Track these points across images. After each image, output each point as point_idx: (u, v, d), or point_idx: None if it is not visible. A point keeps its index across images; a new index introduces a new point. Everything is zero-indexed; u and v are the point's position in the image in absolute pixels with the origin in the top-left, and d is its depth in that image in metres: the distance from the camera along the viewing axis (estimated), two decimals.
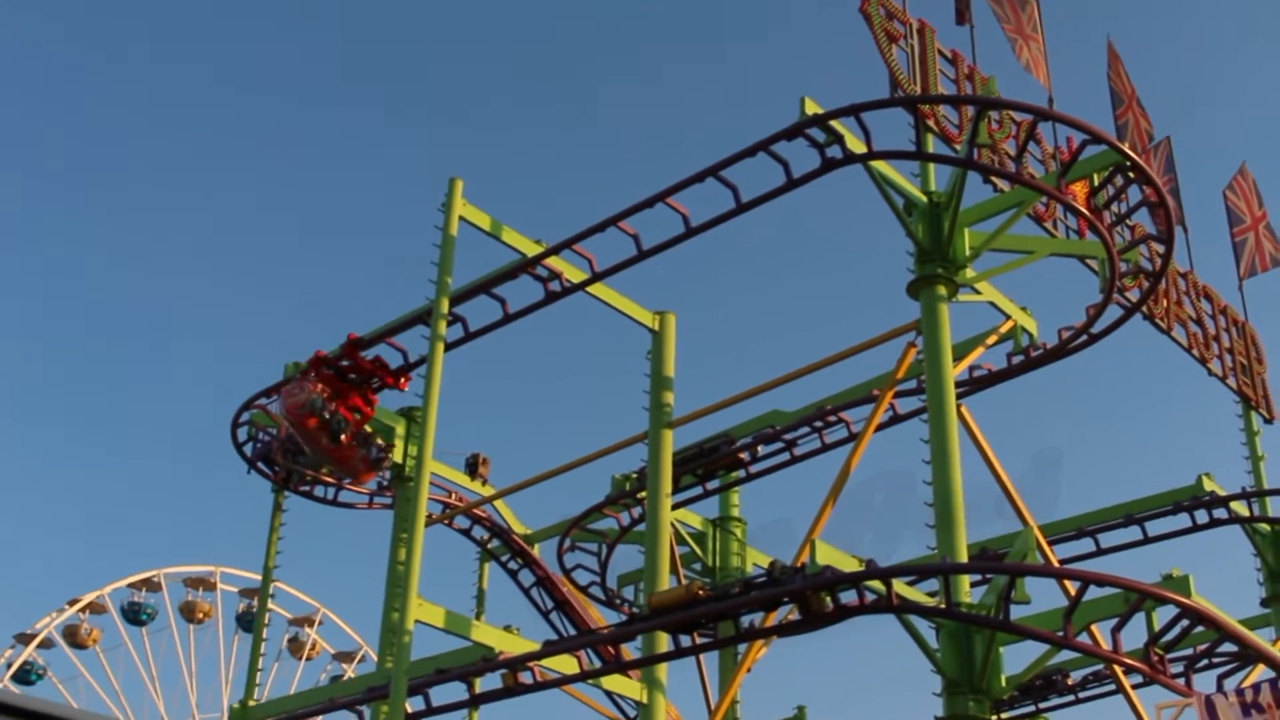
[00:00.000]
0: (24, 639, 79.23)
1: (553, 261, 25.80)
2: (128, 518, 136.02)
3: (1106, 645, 20.17)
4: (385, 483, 31.42)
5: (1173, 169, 30.57)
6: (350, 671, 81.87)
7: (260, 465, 30.62)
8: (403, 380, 28.04)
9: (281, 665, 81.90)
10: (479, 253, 26.24)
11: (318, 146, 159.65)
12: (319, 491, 31.58)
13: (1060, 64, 24.99)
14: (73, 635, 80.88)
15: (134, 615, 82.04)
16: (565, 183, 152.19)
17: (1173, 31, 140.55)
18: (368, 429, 28.40)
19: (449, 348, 25.01)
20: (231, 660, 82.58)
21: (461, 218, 24.76)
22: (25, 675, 79.38)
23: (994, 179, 24.01)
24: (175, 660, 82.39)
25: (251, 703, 28.15)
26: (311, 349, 28.09)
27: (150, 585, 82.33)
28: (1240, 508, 29.39)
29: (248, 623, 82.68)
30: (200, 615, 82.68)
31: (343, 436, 27.69)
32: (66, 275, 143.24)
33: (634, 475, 30.32)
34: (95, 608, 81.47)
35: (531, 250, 25.79)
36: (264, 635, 30.09)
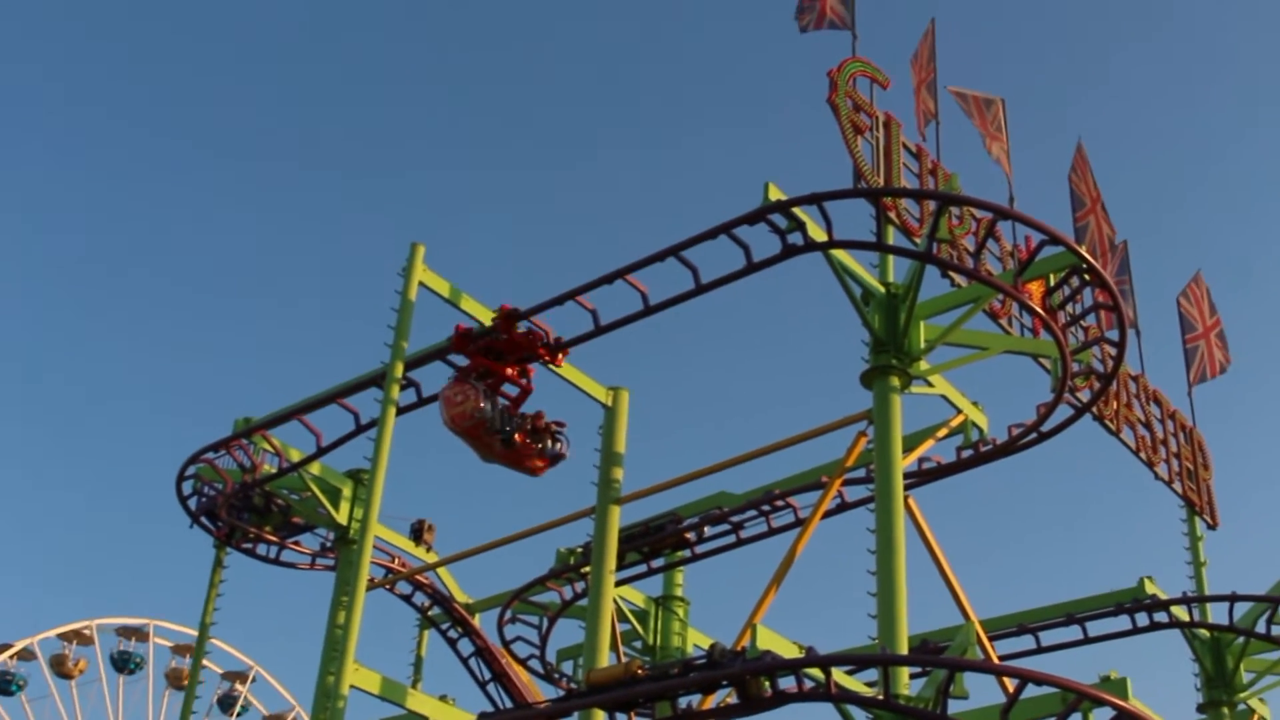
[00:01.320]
0: (2, 648, 78.16)
1: None
2: (59, 567, 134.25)
3: None
4: (328, 543, 31.22)
5: (1128, 272, 30.93)
6: (244, 690, 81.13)
7: (203, 520, 30.35)
8: (559, 356, 25.89)
9: (171, 697, 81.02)
10: (436, 318, 26.15)
11: (278, 205, 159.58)
12: (261, 550, 31.35)
13: (1027, 162, 25.33)
14: (59, 663, 79.83)
15: (3, 686, 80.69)
16: (526, 256, 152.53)
17: (1138, 138, 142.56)
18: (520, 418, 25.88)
19: (401, 412, 24.97)
20: (161, 715, 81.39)
21: (421, 283, 24.80)
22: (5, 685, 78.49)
23: (952, 274, 24.21)
24: (103, 713, 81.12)
25: None
26: (263, 407, 27.85)
27: (81, 637, 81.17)
28: (1181, 612, 29.53)
29: (177, 679, 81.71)
30: (76, 671, 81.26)
31: (516, 437, 25.59)
32: (10, 320, 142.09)
33: (579, 549, 30.22)
34: (24, 655, 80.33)
35: (489, 319, 25.79)
36: (197, 693, 29.75)
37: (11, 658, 79.69)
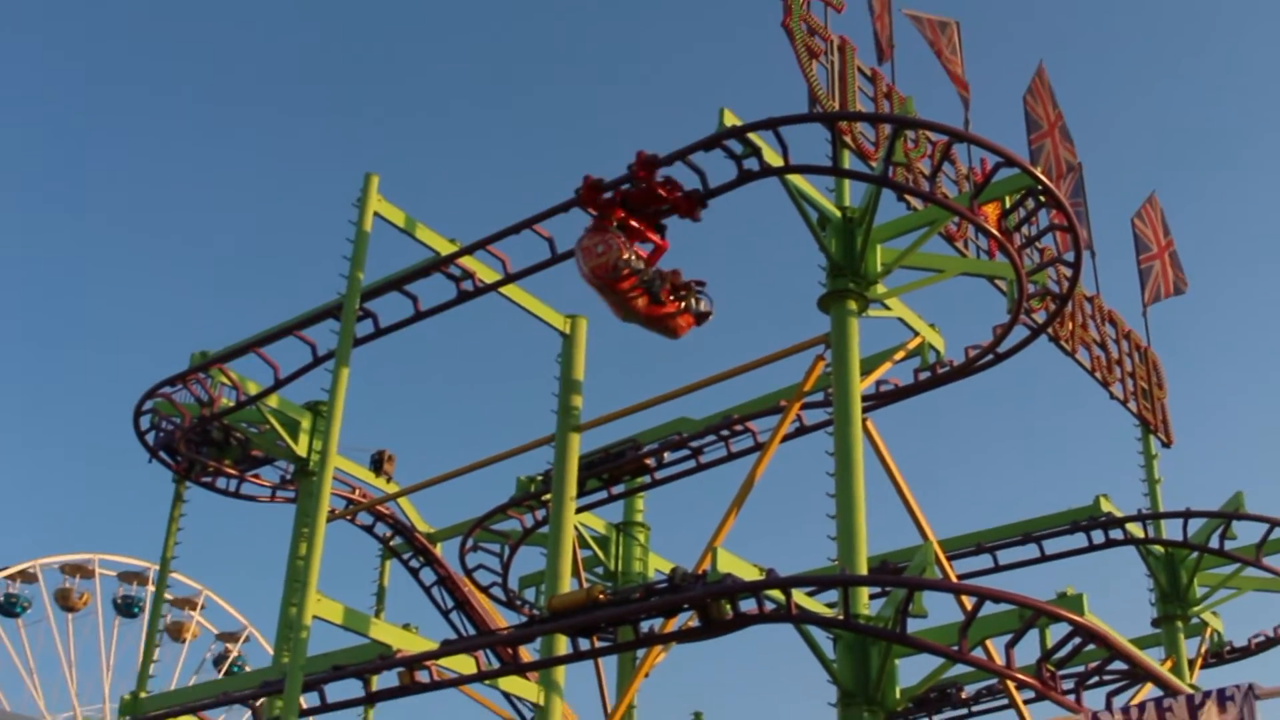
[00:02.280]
0: None
1: (466, 261, 25.74)
2: (41, 504, 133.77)
3: (1000, 660, 20.49)
4: (288, 476, 31.21)
5: (1083, 194, 31.08)
6: (235, 650, 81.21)
7: (162, 455, 30.27)
8: (697, 210, 23.43)
9: (162, 649, 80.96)
10: (392, 249, 26.07)
11: (232, 139, 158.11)
12: (221, 483, 31.30)
13: (984, 85, 25.31)
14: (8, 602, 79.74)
15: (8, 608, 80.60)
16: (481, 184, 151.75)
17: (1094, 57, 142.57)
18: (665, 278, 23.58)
19: (358, 343, 24.90)
20: (112, 648, 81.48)
21: (376, 213, 24.64)
22: None
23: (908, 197, 24.23)
24: (53, 651, 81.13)
25: (144, 694, 27.80)
26: (220, 340, 27.69)
27: (26, 576, 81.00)
28: (1135, 529, 29.93)
29: (127, 608, 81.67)
30: (79, 604, 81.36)
31: (661, 293, 23.36)
32: None
33: (539, 478, 30.31)
34: (26, 576, 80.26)
35: (445, 249, 25.73)
36: (158, 625, 29.78)
37: (13, 578, 79.66)
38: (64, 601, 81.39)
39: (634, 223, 23.29)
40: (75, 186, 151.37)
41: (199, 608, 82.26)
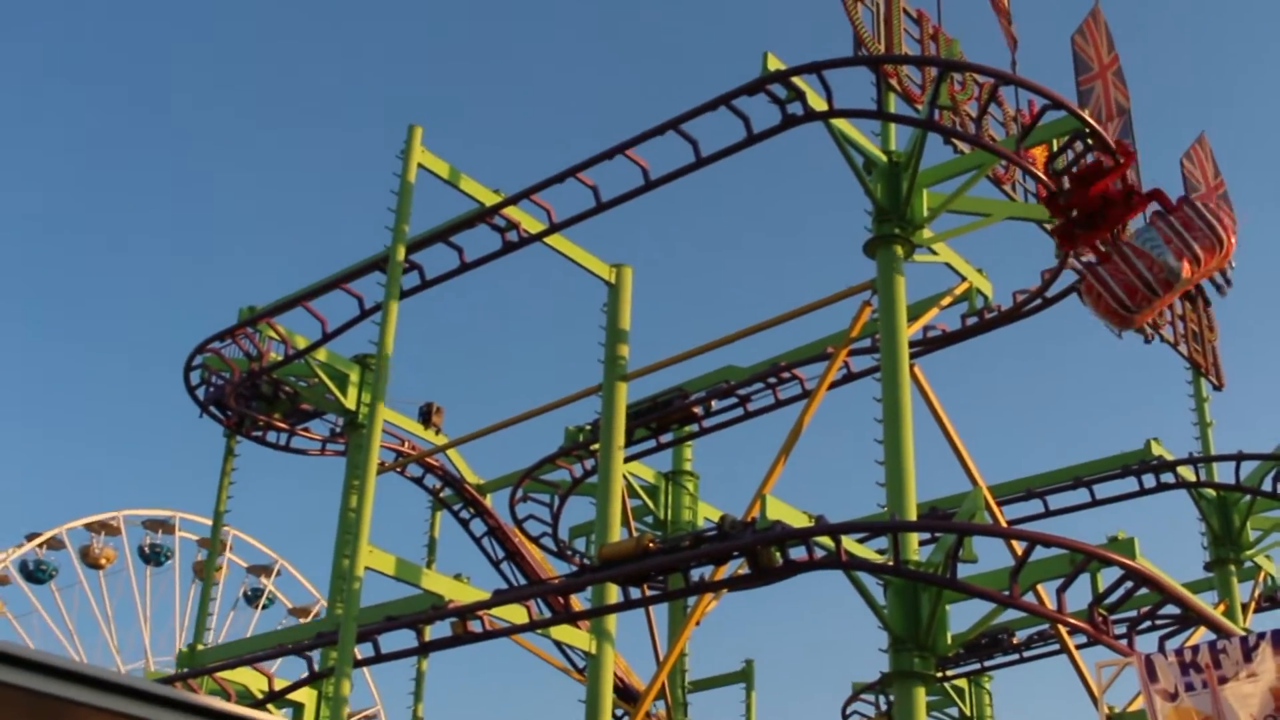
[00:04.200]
0: None
1: (511, 211, 25.73)
2: (83, 459, 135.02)
3: (1051, 605, 20.45)
4: (337, 429, 31.38)
5: (1131, 135, 30.69)
6: (269, 584, 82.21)
7: (212, 410, 30.48)
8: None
9: (238, 614, 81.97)
10: (437, 201, 26.09)
11: (276, 93, 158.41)
12: (271, 437, 31.50)
13: (1033, 27, 25.01)
14: (30, 570, 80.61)
15: (38, 575, 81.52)
16: (525, 133, 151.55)
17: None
18: None
19: (405, 295, 24.94)
20: (188, 606, 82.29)
21: (420, 165, 24.62)
22: None
23: (954, 141, 24.07)
24: (131, 602, 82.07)
25: (201, 646, 28.11)
26: (268, 295, 27.79)
27: (108, 528, 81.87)
28: (1187, 472, 29.74)
29: (154, 557, 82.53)
30: (104, 561, 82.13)
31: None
32: (11, 216, 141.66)
33: (587, 427, 30.38)
34: (53, 544, 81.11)
35: (490, 200, 25.71)
36: (216, 580, 30.11)
37: (41, 546, 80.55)
38: (90, 559, 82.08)
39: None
40: (122, 142, 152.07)
41: (227, 547, 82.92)
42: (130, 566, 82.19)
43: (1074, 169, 22.25)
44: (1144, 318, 22.21)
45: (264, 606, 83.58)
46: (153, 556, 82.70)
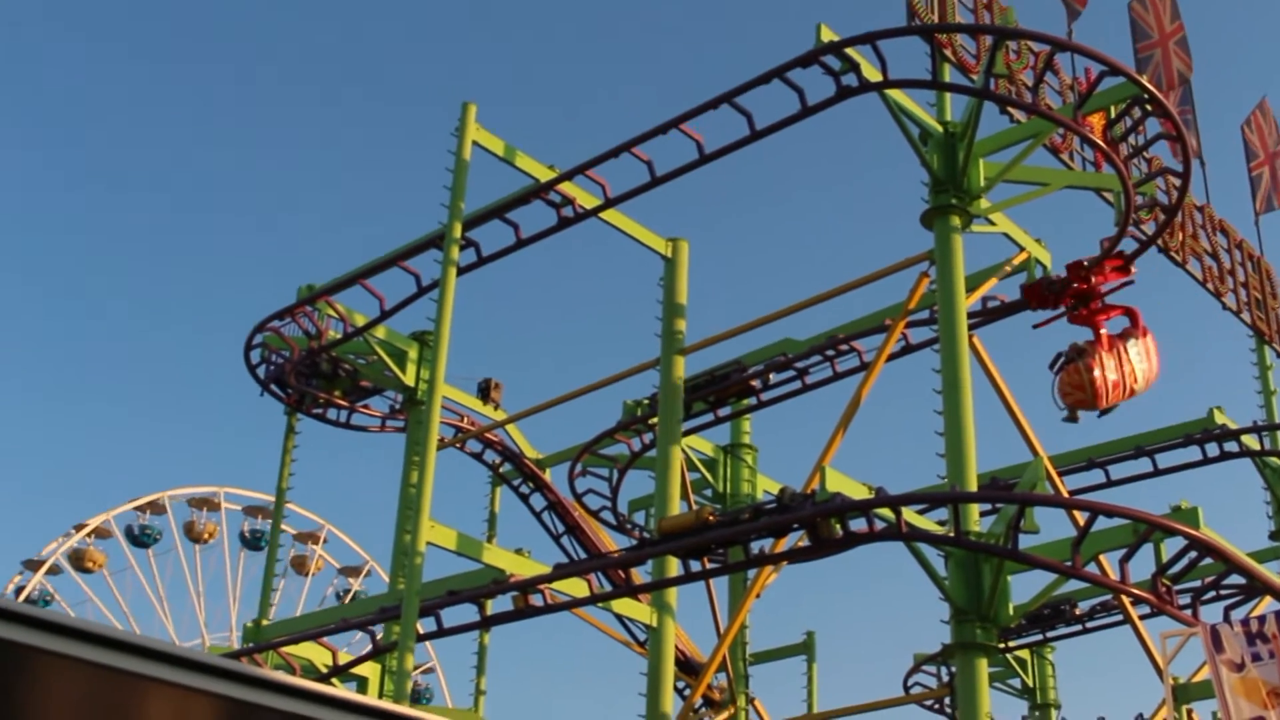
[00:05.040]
0: (32, 565, 79.91)
1: (566, 187, 25.78)
2: (129, 442, 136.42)
3: (1114, 575, 20.37)
4: (397, 405, 31.58)
5: (1190, 102, 30.39)
6: (357, 585, 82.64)
7: (273, 388, 30.75)
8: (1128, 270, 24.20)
9: (287, 582, 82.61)
10: (492, 178, 26.16)
11: (331, 72, 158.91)
12: (331, 414, 31.77)
13: None
14: (79, 560, 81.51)
15: (139, 538, 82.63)
16: (579, 109, 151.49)
17: None
18: None
19: (461, 272, 25.04)
20: (238, 579, 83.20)
21: (475, 142, 24.72)
22: (137, 538, 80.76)
23: (1010, 109, 23.90)
24: (182, 581, 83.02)
25: (265, 622, 28.41)
26: (327, 274, 27.95)
27: (155, 508, 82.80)
28: (1251, 441, 29.48)
29: (252, 541, 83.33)
30: (206, 536, 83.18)
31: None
32: (68, 195, 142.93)
33: (645, 401, 30.41)
34: (101, 532, 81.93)
35: (544, 176, 25.76)
36: (276, 555, 30.43)
37: (142, 510, 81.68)
38: (191, 533, 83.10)
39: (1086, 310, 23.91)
40: (179, 123, 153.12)
41: (321, 541, 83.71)
42: (178, 545, 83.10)
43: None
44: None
45: (313, 574, 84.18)
46: (252, 541, 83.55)
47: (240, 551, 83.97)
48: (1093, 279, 23.78)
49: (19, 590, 78.18)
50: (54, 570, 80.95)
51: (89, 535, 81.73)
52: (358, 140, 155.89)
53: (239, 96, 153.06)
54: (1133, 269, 24.29)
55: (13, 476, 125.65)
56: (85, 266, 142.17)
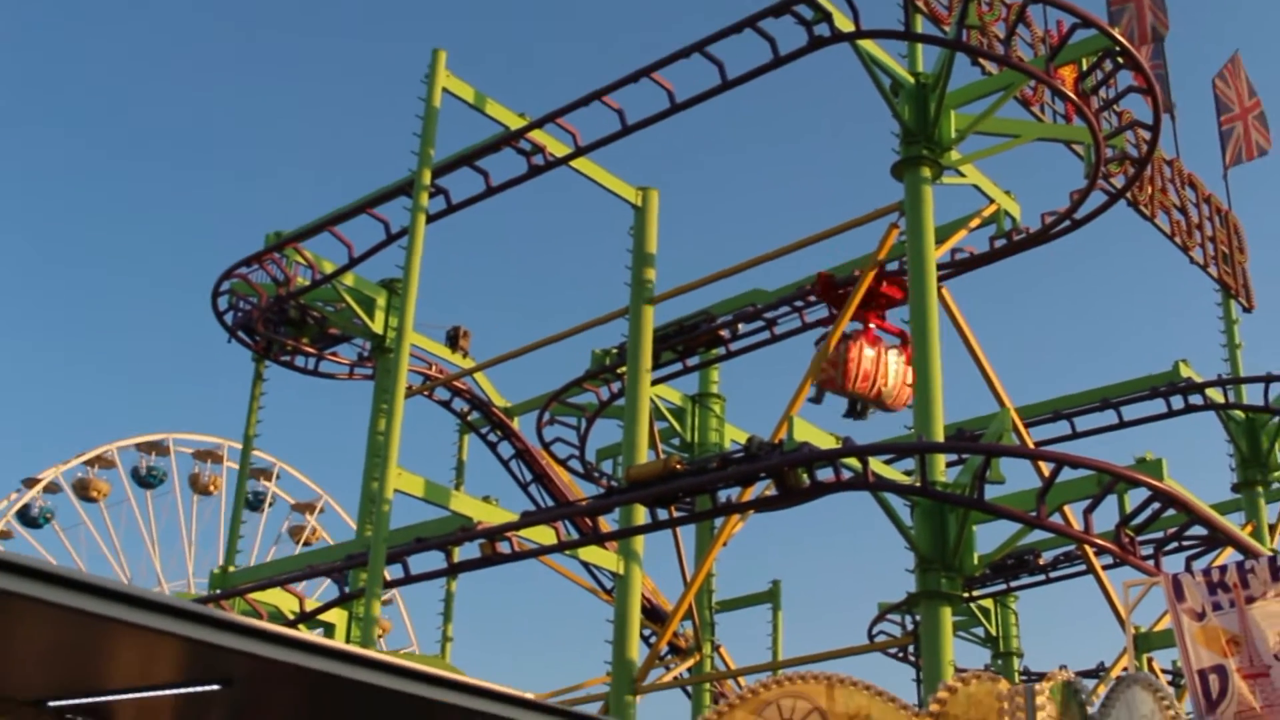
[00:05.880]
0: (30, 483, 79.74)
1: (536, 135, 25.70)
2: (127, 385, 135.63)
3: (1078, 526, 20.52)
4: (365, 353, 31.52)
5: (1163, 57, 30.42)
6: (312, 520, 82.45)
7: (240, 334, 30.64)
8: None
9: (280, 549, 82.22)
10: (462, 125, 26.06)
11: (299, 18, 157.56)
12: (299, 361, 31.69)
13: None
14: (82, 488, 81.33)
15: (144, 479, 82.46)
16: (549, 56, 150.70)
17: None
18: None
19: (430, 220, 24.97)
20: (193, 525, 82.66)
21: (444, 89, 24.60)
22: (33, 519, 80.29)
23: (982, 61, 23.88)
24: (136, 530, 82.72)
25: (231, 568, 28.41)
26: (295, 220, 27.81)
27: (158, 449, 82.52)
28: (1216, 394, 29.68)
29: (201, 487, 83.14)
30: (101, 495, 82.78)
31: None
32: (36, 144, 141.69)
33: (614, 350, 30.40)
34: (104, 462, 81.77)
35: (515, 123, 25.67)
36: (242, 503, 30.47)
37: (38, 494, 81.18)
38: (83, 493, 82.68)
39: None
40: (147, 72, 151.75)
41: (274, 478, 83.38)
42: (130, 494, 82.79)
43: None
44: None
45: (306, 544, 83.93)
46: (148, 480, 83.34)
47: (194, 498, 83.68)
48: (883, 288, 24.70)
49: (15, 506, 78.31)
50: (53, 489, 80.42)
51: (91, 464, 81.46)
52: (327, 87, 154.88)
53: (207, 45, 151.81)
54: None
55: (10, 399, 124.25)
56: (52, 217, 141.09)
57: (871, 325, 24.56)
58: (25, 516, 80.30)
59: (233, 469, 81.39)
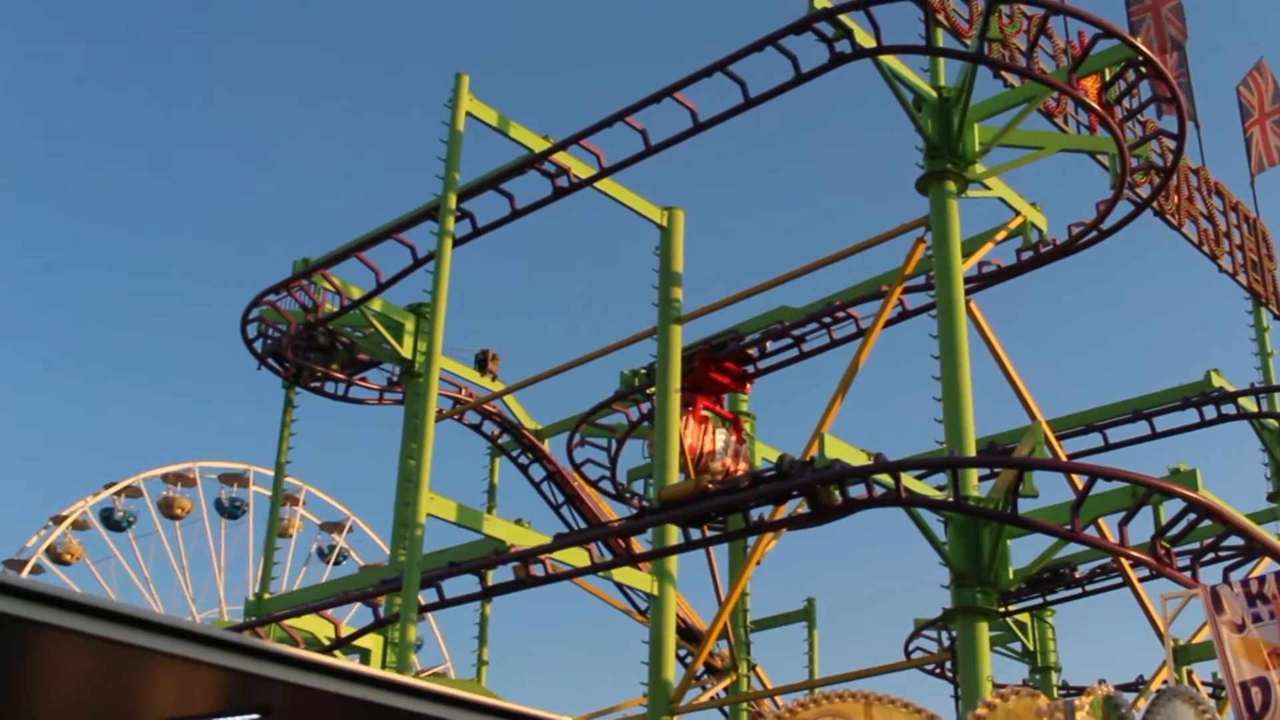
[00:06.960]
0: (59, 520, 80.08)
1: (560, 157, 25.76)
2: (152, 415, 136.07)
3: (1113, 538, 20.39)
4: (394, 378, 31.57)
5: (1185, 65, 30.35)
6: (341, 540, 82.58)
7: (270, 361, 30.73)
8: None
9: (310, 570, 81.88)
10: (486, 149, 26.13)
11: (324, 43, 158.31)
12: (329, 388, 31.75)
13: None
14: (108, 518, 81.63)
15: (167, 509, 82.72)
16: (572, 79, 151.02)
17: None
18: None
19: (457, 243, 25.05)
20: (221, 552, 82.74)
21: (469, 113, 24.70)
22: (116, 521, 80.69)
23: (1004, 74, 23.86)
24: (206, 553, 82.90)
25: (267, 595, 28.47)
26: (322, 247, 27.90)
27: (185, 479, 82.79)
28: (1249, 403, 29.52)
29: (229, 510, 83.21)
30: (179, 511, 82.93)
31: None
32: (67, 173, 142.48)
33: (643, 371, 30.40)
34: (131, 492, 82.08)
35: (539, 146, 25.75)
36: (289, 534, 30.52)
37: (119, 495, 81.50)
38: (168, 510, 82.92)
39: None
40: (174, 95, 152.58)
41: (300, 503, 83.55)
42: (205, 517, 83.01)
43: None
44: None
45: (336, 563, 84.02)
46: (229, 510, 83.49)
47: (221, 523, 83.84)
48: (712, 375, 28.44)
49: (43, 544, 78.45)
50: (81, 525, 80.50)
51: (118, 495, 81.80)
52: (352, 113, 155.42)
53: (233, 69, 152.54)
54: (748, 387, 29.92)
55: (38, 434, 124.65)
56: (78, 241, 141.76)
57: (700, 406, 27.46)
58: (110, 520, 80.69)
59: (259, 493, 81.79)
